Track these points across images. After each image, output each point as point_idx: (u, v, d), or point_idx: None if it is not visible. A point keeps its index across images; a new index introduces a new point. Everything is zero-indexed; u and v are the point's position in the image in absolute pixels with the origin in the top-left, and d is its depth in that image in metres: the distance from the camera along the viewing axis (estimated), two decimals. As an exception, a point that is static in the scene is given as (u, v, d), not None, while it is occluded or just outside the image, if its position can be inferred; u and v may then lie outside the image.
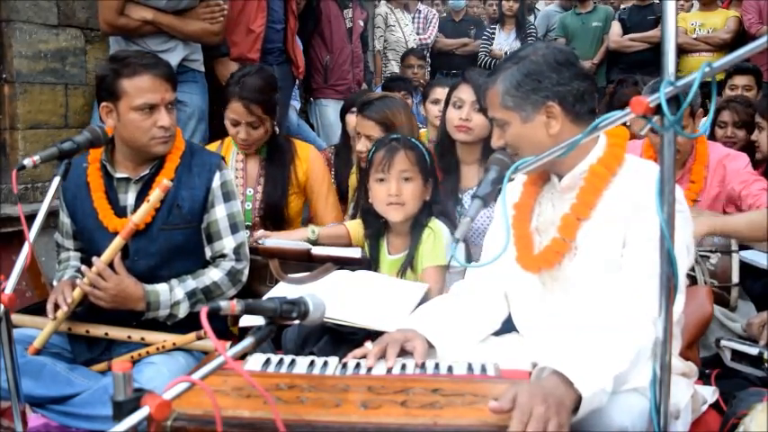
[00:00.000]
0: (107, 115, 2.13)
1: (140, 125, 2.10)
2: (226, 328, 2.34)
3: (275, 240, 2.53)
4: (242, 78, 2.74)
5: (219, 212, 2.24)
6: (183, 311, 2.17)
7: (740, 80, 4.31)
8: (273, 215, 2.89)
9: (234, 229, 2.26)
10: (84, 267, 2.08)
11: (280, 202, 2.87)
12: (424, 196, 2.31)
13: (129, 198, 2.20)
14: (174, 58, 3.21)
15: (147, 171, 2.18)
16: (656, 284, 1.40)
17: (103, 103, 2.13)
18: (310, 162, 2.96)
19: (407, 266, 2.27)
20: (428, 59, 6.17)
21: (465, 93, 2.59)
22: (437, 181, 2.40)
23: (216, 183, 2.24)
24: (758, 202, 2.59)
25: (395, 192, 2.24)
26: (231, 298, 2.25)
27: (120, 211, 2.19)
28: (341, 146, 3.51)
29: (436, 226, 2.29)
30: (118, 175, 2.20)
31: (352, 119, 3.39)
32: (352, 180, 3.08)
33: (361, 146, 2.80)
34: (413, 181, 2.27)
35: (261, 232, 2.58)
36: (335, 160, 3.38)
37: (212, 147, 2.96)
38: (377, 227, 2.38)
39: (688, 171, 2.70)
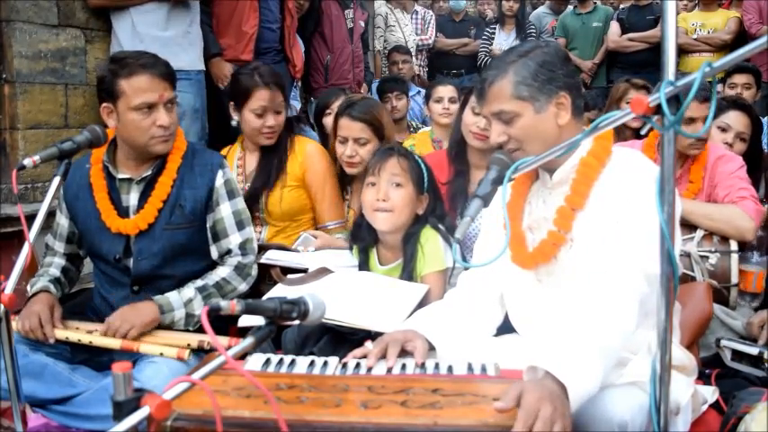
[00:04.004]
0: (108, 116, 2.14)
1: (140, 125, 2.11)
2: (227, 328, 2.34)
3: (274, 258, 2.55)
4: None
5: (225, 210, 2.26)
6: (197, 307, 2.15)
7: (739, 78, 4.31)
8: (252, 202, 2.85)
9: (240, 225, 2.28)
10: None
11: (260, 191, 2.84)
12: (415, 208, 2.23)
13: (132, 198, 2.20)
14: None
15: (150, 171, 2.19)
16: (639, 255, 1.50)
17: (104, 104, 2.13)
18: (306, 156, 2.90)
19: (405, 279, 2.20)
20: (417, 57, 6.16)
21: None
22: (437, 196, 2.31)
23: (219, 181, 2.25)
24: None
25: (382, 196, 2.17)
26: (242, 295, 2.27)
27: (123, 212, 2.19)
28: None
29: (427, 233, 2.23)
30: (120, 176, 2.21)
31: (328, 121, 3.36)
32: None
33: (350, 150, 2.72)
34: (403, 188, 2.19)
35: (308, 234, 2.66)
36: None
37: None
38: (367, 241, 2.30)
39: (687, 171, 2.70)
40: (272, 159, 2.88)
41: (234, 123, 2.89)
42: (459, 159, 2.64)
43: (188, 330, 2.18)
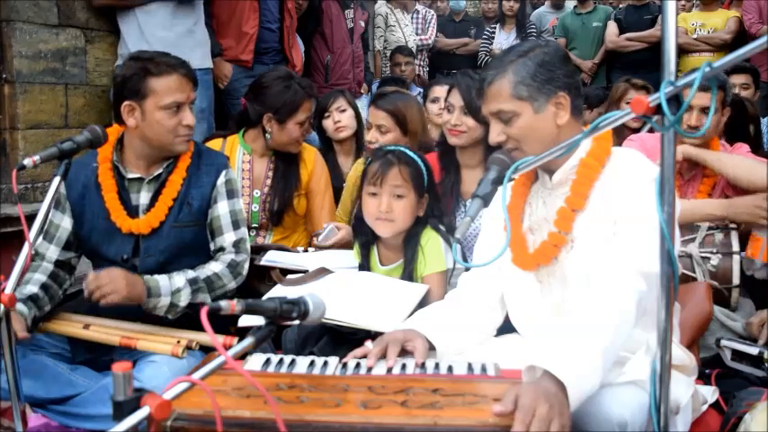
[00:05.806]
0: (128, 114, 2.14)
1: (166, 124, 2.13)
2: (227, 327, 2.34)
3: (274, 259, 2.56)
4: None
5: (222, 209, 2.28)
6: (184, 299, 2.14)
7: (737, 79, 4.28)
8: (278, 216, 2.92)
9: (235, 225, 2.30)
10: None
11: (287, 203, 2.92)
12: (416, 212, 2.26)
13: (142, 197, 2.21)
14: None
15: (161, 170, 2.21)
16: (637, 253, 1.51)
17: (126, 102, 2.13)
18: (314, 163, 3.01)
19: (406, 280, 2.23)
20: (418, 57, 6.16)
21: (454, 97, 2.56)
22: (436, 196, 2.35)
23: (221, 180, 2.28)
24: None
25: (385, 208, 2.20)
26: (233, 296, 2.27)
27: (132, 211, 2.20)
28: (323, 150, 3.49)
29: (428, 234, 2.26)
30: (130, 176, 2.22)
31: (329, 124, 3.41)
32: (351, 177, 3.09)
33: (371, 136, 2.95)
34: (405, 198, 2.22)
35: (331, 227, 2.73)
36: None
37: (215, 145, 2.96)
38: (367, 237, 2.34)
39: (702, 167, 2.73)
40: (290, 169, 2.94)
41: (268, 137, 2.87)
42: (446, 158, 2.65)
43: (181, 327, 2.17)
